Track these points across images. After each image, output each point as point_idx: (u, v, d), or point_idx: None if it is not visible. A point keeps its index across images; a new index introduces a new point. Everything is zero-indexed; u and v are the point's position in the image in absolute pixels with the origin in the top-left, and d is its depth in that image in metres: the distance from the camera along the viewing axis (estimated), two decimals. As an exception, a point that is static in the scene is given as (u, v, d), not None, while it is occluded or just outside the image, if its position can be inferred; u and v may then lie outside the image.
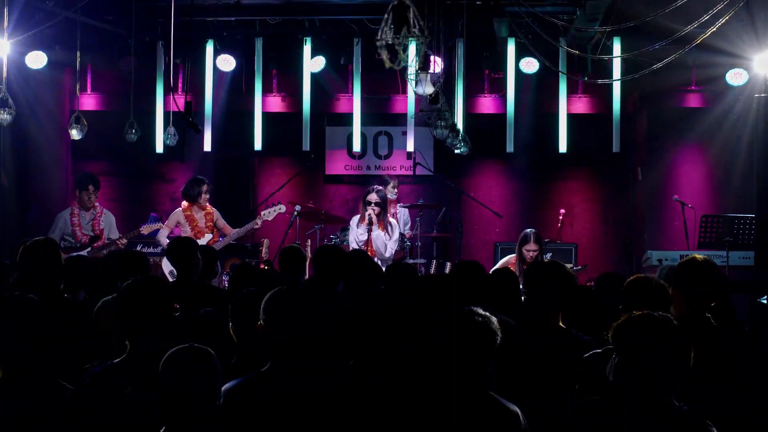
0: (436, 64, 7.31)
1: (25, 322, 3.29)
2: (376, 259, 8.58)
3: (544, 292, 4.05)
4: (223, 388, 3.22)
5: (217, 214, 9.39)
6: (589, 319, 4.63)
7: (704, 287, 4.00)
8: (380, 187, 9.28)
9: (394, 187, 9.91)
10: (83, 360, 3.93)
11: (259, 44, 10.51)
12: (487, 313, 3.37)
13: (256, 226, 9.27)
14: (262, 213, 9.35)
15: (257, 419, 3.16)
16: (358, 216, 9.01)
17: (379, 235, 8.81)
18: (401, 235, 9.23)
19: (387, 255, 8.80)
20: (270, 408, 3.16)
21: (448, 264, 9.63)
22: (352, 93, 10.95)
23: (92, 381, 3.45)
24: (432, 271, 9.66)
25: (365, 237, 8.74)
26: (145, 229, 9.21)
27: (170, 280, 9.03)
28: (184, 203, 9.39)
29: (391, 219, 9.09)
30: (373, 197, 8.85)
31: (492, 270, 7.97)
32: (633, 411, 2.86)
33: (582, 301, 4.72)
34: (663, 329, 2.90)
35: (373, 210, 8.79)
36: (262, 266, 7.63)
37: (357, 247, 8.59)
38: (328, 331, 3.82)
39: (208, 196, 9.27)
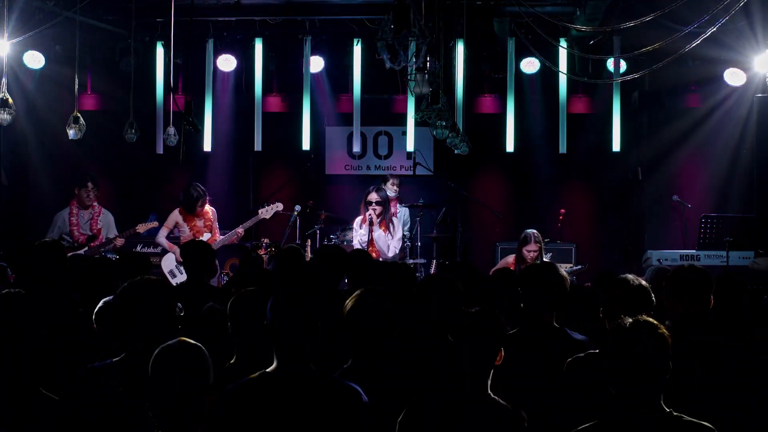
0: (435, 65, 7.31)
1: (15, 320, 3.27)
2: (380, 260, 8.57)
3: (537, 292, 4.06)
4: (227, 388, 3.22)
5: (214, 215, 9.37)
6: (585, 319, 4.64)
7: (693, 296, 4.04)
8: (382, 186, 9.26)
9: (393, 185, 9.89)
10: (83, 361, 3.93)
11: (259, 44, 10.50)
12: (497, 314, 3.38)
13: (239, 234, 9.19)
14: (260, 211, 9.35)
15: (262, 419, 3.16)
16: (361, 217, 9.00)
17: (381, 235, 8.80)
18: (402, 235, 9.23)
19: (390, 255, 8.79)
20: (275, 408, 3.15)
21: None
22: (352, 93, 10.94)
23: (87, 378, 3.44)
24: (432, 271, 9.65)
25: (367, 238, 8.72)
26: (141, 228, 9.20)
27: (170, 279, 9.05)
28: None
29: (393, 218, 9.08)
30: (373, 197, 8.84)
31: (492, 270, 7.97)
32: (623, 418, 2.85)
33: (578, 301, 4.73)
34: (650, 335, 2.88)
35: (374, 210, 8.79)
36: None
37: (360, 248, 8.57)
38: (330, 331, 3.82)
39: (205, 204, 9.23)
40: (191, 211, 9.13)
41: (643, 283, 4.08)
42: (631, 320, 2.92)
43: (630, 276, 4.10)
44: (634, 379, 2.83)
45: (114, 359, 3.58)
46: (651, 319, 2.93)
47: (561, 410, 3.55)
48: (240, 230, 9.19)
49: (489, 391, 3.29)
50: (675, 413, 2.85)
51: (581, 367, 3.71)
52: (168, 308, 3.62)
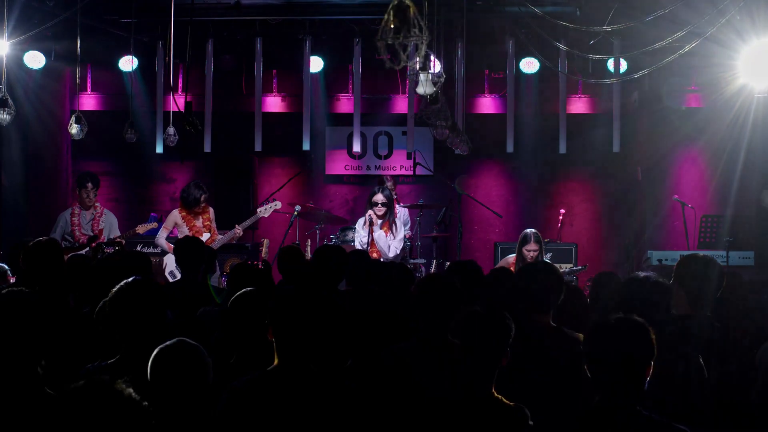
0: (436, 64, 7.31)
1: (16, 319, 3.27)
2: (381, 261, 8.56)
3: (534, 291, 4.06)
4: (229, 387, 3.22)
5: (213, 215, 9.36)
6: (584, 319, 4.64)
7: (703, 285, 4.02)
8: (387, 185, 9.24)
9: (391, 188, 9.88)
10: (84, 361, 3.93)
11: (259, 44, 10.50)
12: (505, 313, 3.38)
13: (237, 234, 9.17)
14: (258, 210, 9.34)
15: (262, 418, 3.16)
16: (363, 218, 8.98)
17: (381, 235, 8.78)
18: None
19: (391, 255, 8.76)
20: (278, 407, 3.16)
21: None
22: (352, 93, 10.95)
23: (85, 380, 3.44)
24: (432, 271, 9.65)
25: (367, 239, 8.70)
26: (141, 229, 9.18)
27: (170, 280, 9.03)
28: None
29: (396, 219, 9.06)
30: (379, 197, 8.80)
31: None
32: (599, 419, 2.85)
33: (577, 301, 4.73)
34: (633, 335, 2.88)
35: (378, 210, 8.76)
36: (260, 265, 7.61)
37: (359, 248, 8.56)
38: (331, 331, 3.83)
39: (205, 204, 9.21)
40: (192, 208, 9.11)
41: (662, 280, 4.07)
42: (618, 316, 2.93)
43: (650, 273, 4.10)
44: (612, 375, 2.84)
45: (109, 360, 3.57)
46: (639, 319, 2.94)
47: (560, 409, 3.55)
48: (238, 230, 9.18)
49: (493, 391, 3.29)
50: (645, 412, 2.85)
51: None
52: (161, 309, 3.60)
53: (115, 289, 3.63)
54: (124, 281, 3.64)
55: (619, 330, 2.88)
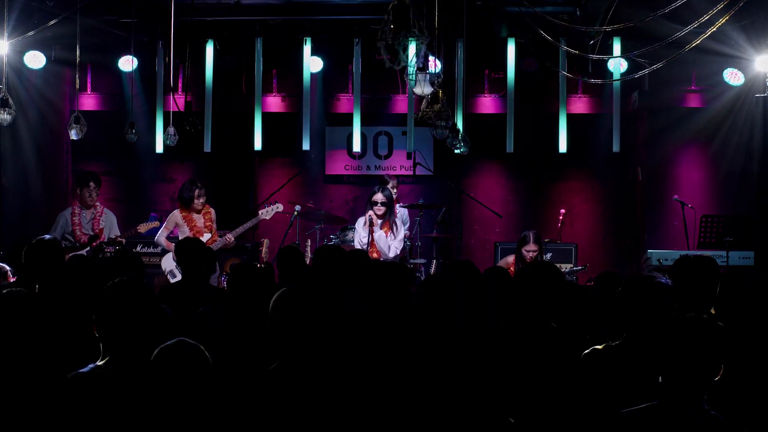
0: (435, 64, 7.32)
1: (14, 319, 3.27)
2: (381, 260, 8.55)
3: (534, 292, 4.06)
4: (229, 386, 3.22)
5: (214, 215, 9.34)
6: (585, 318, 4.64)
7: (698, 285, 4.02)
8: (389, 184, 9.24)
9: (393, 187, 9.88)
10: (82, 361, 3.93)
11: (259, 44, 10.51)
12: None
13: (228, 241, 9.11)
14: (260, 212, 9.33)
15: (264, 417, 3.17)
16: (363, 217, 8.97)
17: (382, 235, 8.77)
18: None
19: (391, 255, 8.76)
20: (279, 407, 3.16)
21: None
22: (352, 93, 10.95)
23: (76, 383, 3.44)
24: (432, 271, 9.64)
25: (367, 239, 8.69)
26: (143, 228, 9.18)
27: (170, 279, 9.04)
28: None
29: (396, 219, 9.06)
30: (379, 197, 8.79)
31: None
32: (664, 415, 2.86)
33: (578, 301, 4.73)
34: (709, 334, 2.90)
35: (378, 210, 8.75)
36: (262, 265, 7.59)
37: (359, 248, 8.54)
38: (331, 331, 3.83)
39: (202, 200, 9.16)
40: (189, 205, 9.10)
41: (665, 281, 4.06)
42: (691, 316, 2.94)
43: (653, 273, 4.09)
44: (684, 375, 2.85)
45: (99, 362, 3.56)
46: (713, 320, 2.96)
47: (559, 409, 3.55)
48: (229, 237, 9.10)
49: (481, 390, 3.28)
50: (712, 412, 2.87)
51: (598, 361, 3.71)
52: (148, 311, 3.57)
53: (102, 292, 3.61)
54: (111, 282, 3.62)
55: (696, 330, 2.90)
